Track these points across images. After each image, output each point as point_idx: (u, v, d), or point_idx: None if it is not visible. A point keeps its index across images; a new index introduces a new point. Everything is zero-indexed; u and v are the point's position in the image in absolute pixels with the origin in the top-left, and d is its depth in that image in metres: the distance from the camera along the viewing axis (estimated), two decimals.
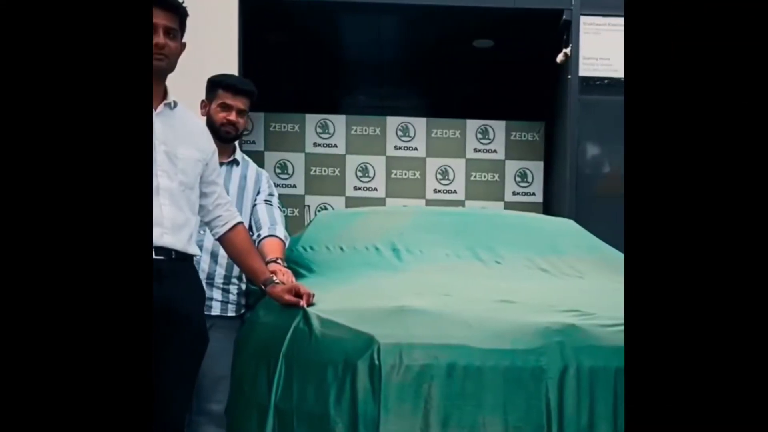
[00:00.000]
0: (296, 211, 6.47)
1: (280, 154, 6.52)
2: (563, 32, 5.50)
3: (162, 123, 2.38)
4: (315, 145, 6.55)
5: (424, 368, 2.11)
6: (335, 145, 6.56)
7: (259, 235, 3.07)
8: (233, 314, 3.07)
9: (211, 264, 3.04)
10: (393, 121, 6.62)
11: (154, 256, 2.26)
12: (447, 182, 6.59)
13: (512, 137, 6.63)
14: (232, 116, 3.09)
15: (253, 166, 3.28)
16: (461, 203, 6.55)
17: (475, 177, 6.61)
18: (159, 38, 2.32)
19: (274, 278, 2.63)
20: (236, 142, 3.27)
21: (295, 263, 3.08)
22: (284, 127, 6.55)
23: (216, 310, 3.02)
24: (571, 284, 2.89)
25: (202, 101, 3.16)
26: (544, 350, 2.12)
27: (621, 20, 5.27)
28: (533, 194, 6.60)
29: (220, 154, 2.86)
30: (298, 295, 2.49)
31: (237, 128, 3.13)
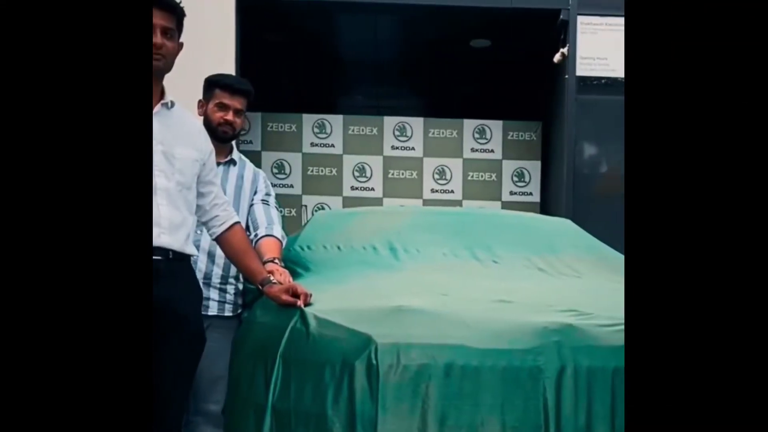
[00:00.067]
0: (293, 211, 6.46)
1: (277, 153, 6.52)
2: (560, 32, 5.50)
3: (159, 123, 2.37)
4: (312, 145, 6.55)
5: (422, 368, 2.11)
6: (332, 145, 6.56)
7: (256, 235, 3.07)
8: (230, 314, 3.07)
9: (208, 264, 3.04)
10: (390, 121, 6.61)
11: None
12: (444, 182, 6.59)
13: (509, 137, 6.63)
14: (229, 116, 3.09)
15: (250, 165, 3.27)
16: (458, 203, 6.55)
17: (472, 177, 6.61)
18: (156, 38, 2.32)
19: (272, 278, 2.63)
20: (233, 142, 3.26)
21: (293, 263, 3.08)
22: (281, 127, 6.55)
23: (213, 310, 3.02)
24: (568, 284, 2.89)
25: (200, 101, 3.16)
26: (542, 350, 2.12)
27: (618, 20, 5.29)
28: (530, 194, 6.60)
29: (217, 153, 2.85)
30: (295, 295, 2.49)
31: (234, 128, 3.13)
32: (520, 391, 2.10)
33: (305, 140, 6.54)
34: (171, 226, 2.38)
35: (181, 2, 2.44)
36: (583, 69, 5.42)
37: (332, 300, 2.50)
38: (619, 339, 2.12)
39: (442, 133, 6.63)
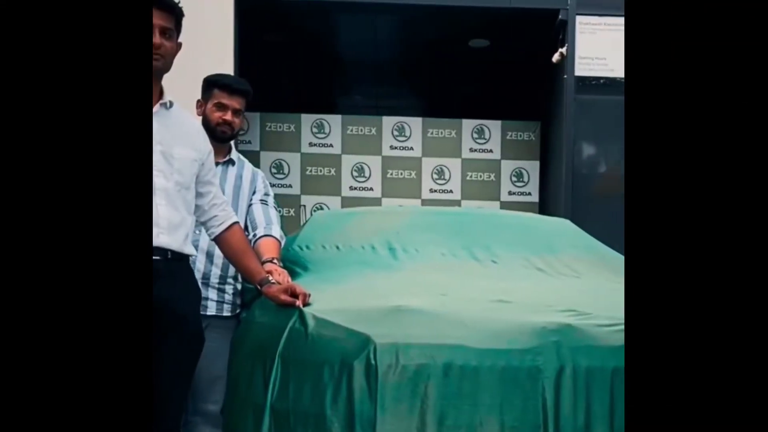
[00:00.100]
0: (292, 211, 6.46)
1: (275, 153, 6.52)
2: (559, 32, 5.49)
3: (158, 123, 2.37)
4: (311, 144, 6.54)
5: (421, 368, 2.11)
6: (331, 145, 6.55)
7: (254, 235, 3.07)
8: (229, 314, 3.07)
9: (206, 264, 3.04)
10: (389, 121, 6.61)
11: None
12: (443, 182, 6.59)
13: (508, 137, 6.63)
14: (228, 116, 3.09)
15: (248, 165, 3.27)
16: (457, 203, 6.54)
17: (471, 177, 6.61)
18: (155, 38, 2.32)
19: (270, 278, 2.63)
20: (232, 142, 3.26)
21: (291, 262, 3.07)
22: (280, 126, 6.54)
23: (211, 310, 3.01)
24: (567, 284, 2.89)
25: (198, 101, 3.16)
26: (541, 350, 2.13)
27: (617, 20, 5.28)
28: (529, 194, 6.60)
29: (216, 153, 2.85)
30: (294, 295, 2.49)
31: (233, 128, 3.13)
32: (518, 391, 2.10)
33: (304, 140, 6.53)
34: (170, 226, 2.38)
35: (179, 2, 2.44)
36: (581, 69, 5.42)
37: (331, 300, 2.50)
38: (618, 339, 2.12)
39: (441, 133, 6.63)
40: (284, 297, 2.49)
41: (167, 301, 2.28)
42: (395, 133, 6.59)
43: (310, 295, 2.49)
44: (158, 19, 2.31)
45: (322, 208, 6.38)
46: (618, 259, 3.24)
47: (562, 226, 3.64)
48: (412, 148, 6.59)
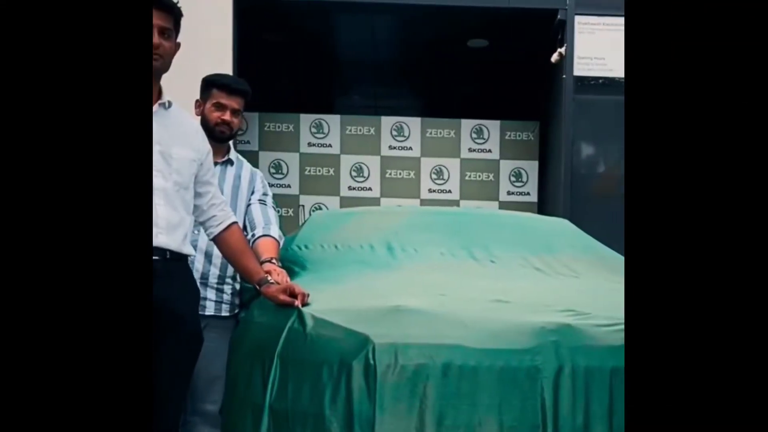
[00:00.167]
0: (291, 211, 6.46)
1: (274, 153, 6.52)
2: (558, 32, 5.49)
3: (156, 123, 2.37)
4: (309, 144, 6.54)
5: (420, 368, 2.10)
6: (330, 145, 6.55)
7: (253, 235, 3.07)
8: (227, 314, 3.07)
9: (205, 264, 3.04)
10: (387, 121, 6.61)
11: None
12: (442, 182, 6.59)
13: (507, 137, 6.63)
14: (227, 116, 3.09)
15: (247, 165, 3.27)
16: (456, 203, 6.54)
17: (469, 177, 6.61)
18: (154, 38, 2.31)
19: (269, 278, 2.62)
20: (230, 142, 3.26)
21: (290, 262, 3.07)
22: (279, 126, 6.54)
23: (210, 310, 3.01)
24: (566, 284, 2.88)
25: (197, 101, 3.16)
26: (540, 350, 2.12)
27: (615, 20, 5.28)
28: (528, 194, 6.60)
29: (215, 153, 2.85)
30: (292, 295, 2.48)
31: (231, 128, 3.13)
32: (517, 391, 2.10)
33: (302, 140, 6.53)
34: (168, 226, 2.38)
35: (178, 2, 2.44)
36: (580, 69, 5.41)
37: (330, 300, 2.49)
38: (617, 339, 2.12)
39: (440, 133, 6.63)
40: (283, 297, 2.49)
41: (166, 301, 2.28)
42: (394, 133, 6.59)
43: (308, 295, 2.49)
44: (157, 19, 2.31)
45: (320, 208, 6.39)
46: (617, 259, 3.24)
47: (560, 226, 3.64)
48: (410, 148, 6.60)
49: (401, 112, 7.00)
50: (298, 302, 2.44)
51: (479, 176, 6.61)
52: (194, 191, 2.55)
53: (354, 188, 6.54)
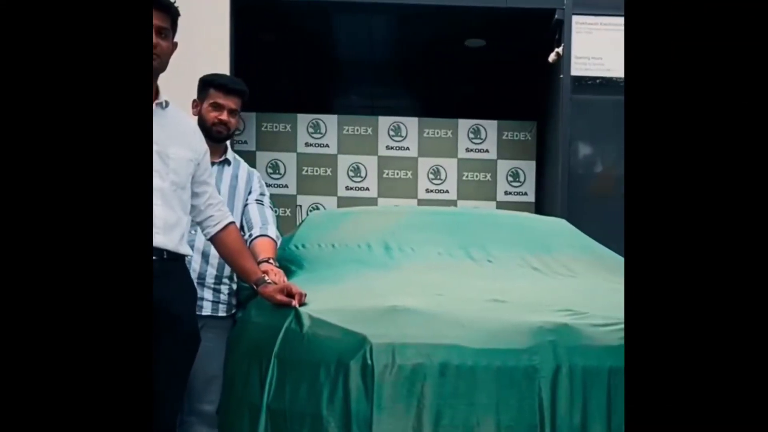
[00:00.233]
0: (288, 211, 6.46)
1: (271, 153, 6.51)
2: (555, 32, 5.49)
3: (154, 123, 2.35)
4: (307, 144, 6.54)
5: (417, 368, 2.10)
6: (327, 145, 6.55)
7: (250, 235, 3.07)
8: (224, 314, 3.07)
9: (202, 264, 3.04)
10: (385, 121, 6.61)
11: None
12: (439, 182, 6.59)
13: (504, 137, 6.63)
14: (224, 116, 3.09)
15: (244, 165, 3.27)
16: (453, 203, 6.55)
17: (467, 177, 6.61)
18: None
19: (266, 278, 2.62)
20: (228, 142, 3.26)
21: (287, 261, 3.07)
22: (276, 127, 6.54)
23: (207, 310, 3.01)
24: (563, 283, 2.88)
25: (194, 101, 3.16)
26: (537, 350, 2.12)
27: (613, 20, 5.29)
28: (525, 194, 6.60)
29: (212, 153, 2.85)
30: (290, 294, 2.48)
31: (228, 128, 3.12)
32: (515, 390, 2.09)
33: (300, 140, 6.53)
34: (165, 226, 2.38)
35: (175, 2, 2.44)
36: (578, 69, 5.42)
37: (327, 300, 2.49)
38: (615, 339, 2.12)
39: (437, 133, 6.63)
40: (280, 297, 2.49)
41: (163, 301, 2.27)
42: (391, 133, 6.59)
43: (306, 295, 2.49)
44: (154, 19, 2.30)
45: (318, 208, 6.38)
46: (614, 259, 3.24)
47: (558, 225, 3.64)
48: (408, 148, 6.60)
49: (398, 112, 7.00)
50: (295, 302, 2.44)
51: (476, 176, 6.61)
52: (191, 191, 2.55)
53: (351, 188, 6.54)
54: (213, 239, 2.67)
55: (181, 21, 2.47)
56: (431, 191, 6.59)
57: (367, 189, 6.55)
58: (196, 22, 4.22)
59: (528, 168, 6.59)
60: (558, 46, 5.44)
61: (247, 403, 2.39)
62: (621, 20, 5.11)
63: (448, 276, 2.84)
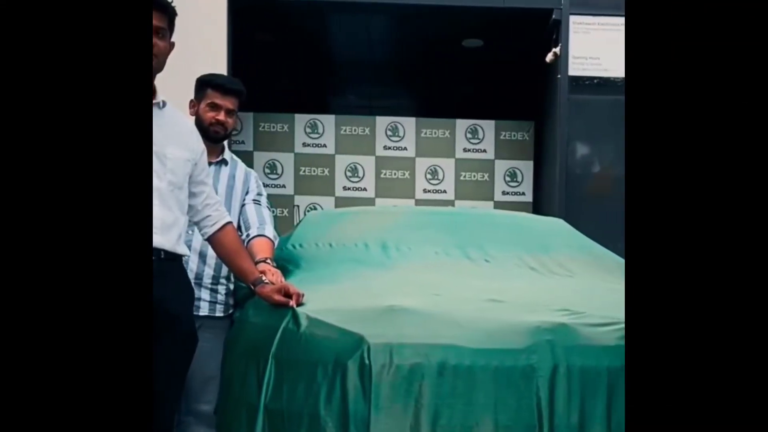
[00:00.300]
0: (285, 211, 6.46)
1: (269, 154, 6.51)
2: (553, 32, 5.50)
3: None
4: (304, 145, 6.54)
5: (415, 368, 2.10)
6: (324, 145, 6.55)
7: (248, 235, 3.07)
8: (221, 314, 3.07)
9: (199, 264, 3.03)
10: (382, 121, 6.61)
11: None
12: (436, 182, 6.59)
13: (502, 137, 6.64)
14: (221, 116, 3.09)
15: (241, 165, 3.27)
16: (451, 203, 6.55)
17: (464, 177, 6.61)
18: None
19: (264, 278, 2.62)
20: (225, 142, 3.26)
21: (285, 261, 3.07)
22: (273, 127, 6.54)
23: (204, 310, 3.01)
24: (561, 283, 2.88)
25: (191, 101, 3.15)
26: (535, 349, 2.12)
27: (610, 20, 5.30)
28: (523, 194, 6.61)
29: (209, 153, 2.85)
30: (287, 295, 2.48)
31: (226, 128, 3.12)
32: (513, 390, 2.09)
33: (297, 140, 6.53)
34: (163, 226, 2.38)
35: (172, 1, 2.43)
36: (575, 69, 5.42)
37: (324, 300, 2.49)
38: (612, 338, 2.12)
39: (435, 133, 6.63)
40: (278, 297, 2.49)
41: (160, 301, 2.26)
42: (389, 133, 6.59)
43: (303, 295, 2.49)
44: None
45: (315, 208, 6.38)
46: (612, 259, 3.24)
47: (555, 225, 3.64)
48: (405, 148, 6.60)
49: (396, 112, 7.00)
50: (292, 302, 2.44)
51: (474, 176, 6.62)
52: (189, 191, 2.54)
53: (349, 188, 6.54)
54: (210, 239, 2.67)
55: (178, 21, 2.47)
56: (429, 191, 6.59)
57: (365, 189, 6.55)
58: (194, 22, 4.22)
59: (525, 168, 6.60)
60: (555, 46, 5.45)
61: (245, 403, 2.39)
62: (618, 20, 5.12)
63: (446, 276, 2.84)
